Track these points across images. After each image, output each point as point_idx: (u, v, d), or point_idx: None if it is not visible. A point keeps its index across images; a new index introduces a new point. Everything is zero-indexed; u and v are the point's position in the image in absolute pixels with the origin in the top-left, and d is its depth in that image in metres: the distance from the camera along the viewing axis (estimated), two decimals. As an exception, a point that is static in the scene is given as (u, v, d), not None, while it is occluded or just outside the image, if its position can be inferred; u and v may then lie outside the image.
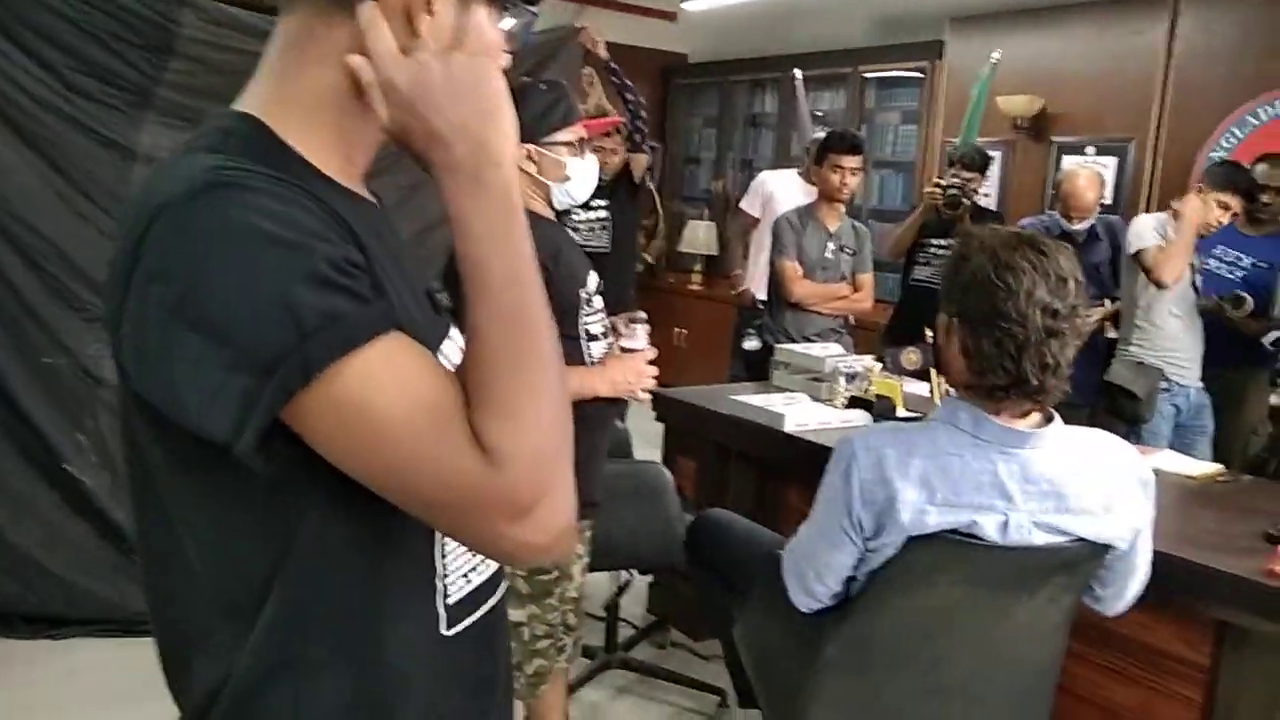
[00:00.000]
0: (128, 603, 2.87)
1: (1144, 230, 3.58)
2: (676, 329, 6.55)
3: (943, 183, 4.09)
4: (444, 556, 0.86)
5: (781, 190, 4.75)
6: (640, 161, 4.21)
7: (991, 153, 4.91)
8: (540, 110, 2.04)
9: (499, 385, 0.73)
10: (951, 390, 1.79)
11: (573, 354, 2.03)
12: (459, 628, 0.87)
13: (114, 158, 2.94)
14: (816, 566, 1.74)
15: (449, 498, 0.72)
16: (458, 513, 0.73)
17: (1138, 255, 3.55)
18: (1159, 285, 3.49)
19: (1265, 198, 3.66)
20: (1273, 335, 2.32)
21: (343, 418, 0.70)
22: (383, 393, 0.70)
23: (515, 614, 2.08)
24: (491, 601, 0.92)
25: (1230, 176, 3.57)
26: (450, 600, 0.87)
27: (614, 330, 2.17)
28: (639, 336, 2.12)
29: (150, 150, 2.93)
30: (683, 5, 6.55)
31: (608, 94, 4.17)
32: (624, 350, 2.14)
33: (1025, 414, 1.66)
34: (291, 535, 0.77)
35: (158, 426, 0.76)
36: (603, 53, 4.00)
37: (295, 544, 0.77)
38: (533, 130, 2.03)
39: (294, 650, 0.79)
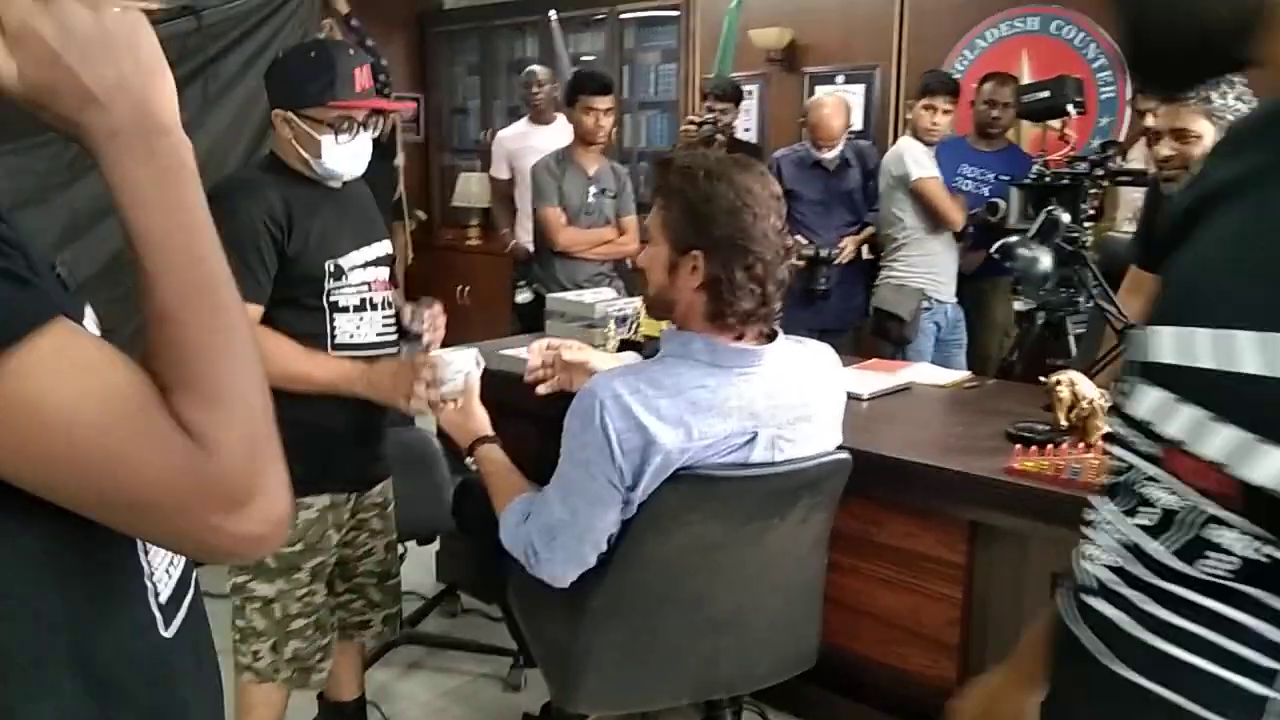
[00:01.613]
0: None
1: (918, 156, 3.76)
2: (458, 287, 6.38)
3: (696, 119, 4.11)
4: (146, 553, 0.77)
5: (517, 141, 4.74)
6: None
7: (747, 87, 4.99)
8: (300, 78, 1.88)
9: (199, 369, 0.67)
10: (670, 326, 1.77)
11: (313, 326, 1.90)
12: (175, 625, 0.79)
13: None
14: (593, 537, 1.65)
15: (154, 496, 0.64)
16: (166, 512, 0.65)
17: (920, 184, 3.71)
18: (955, 231, 3.74)
19: (995, 113, 3.87)
20: (996, 244, 2.44)
21: (13, 421, 0.60)
22: (60, 388, 0.61)
23: (263, 589, 1.96)
24: (193, 588, 0.84)
25: (926, 83, 3.90)
26: (162, 599, 0.78)
27: (399, 314, 2.06)
28: (454, 361, 1.95)
29: None
30: (432, -51, 6.29)
31: None
32: (408, 333, 2.05)
33: (756, 336, 1.68)
34: None
35: None
36: (342, 7, 3.77)
37: None
38: (286, 96, 1.89)
39: None
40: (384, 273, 2.03)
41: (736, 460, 1.64)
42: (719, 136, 4.09)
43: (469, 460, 1.96)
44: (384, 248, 2.04)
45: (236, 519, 0.66)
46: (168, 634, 0.78)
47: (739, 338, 1.66)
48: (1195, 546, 0.70)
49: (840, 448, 1.81)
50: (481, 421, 1.97)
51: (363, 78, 1.90)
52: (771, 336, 1.71)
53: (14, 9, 0.65)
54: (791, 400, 1.69)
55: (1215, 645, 0.69)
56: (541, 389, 2.15)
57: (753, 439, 1.64)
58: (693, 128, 4.12)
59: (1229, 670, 0.68)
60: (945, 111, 3.88)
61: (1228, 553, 0.68)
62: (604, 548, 1.69)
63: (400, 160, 4.86)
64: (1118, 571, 0.76)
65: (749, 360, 1.65)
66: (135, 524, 0.67)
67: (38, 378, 0.61)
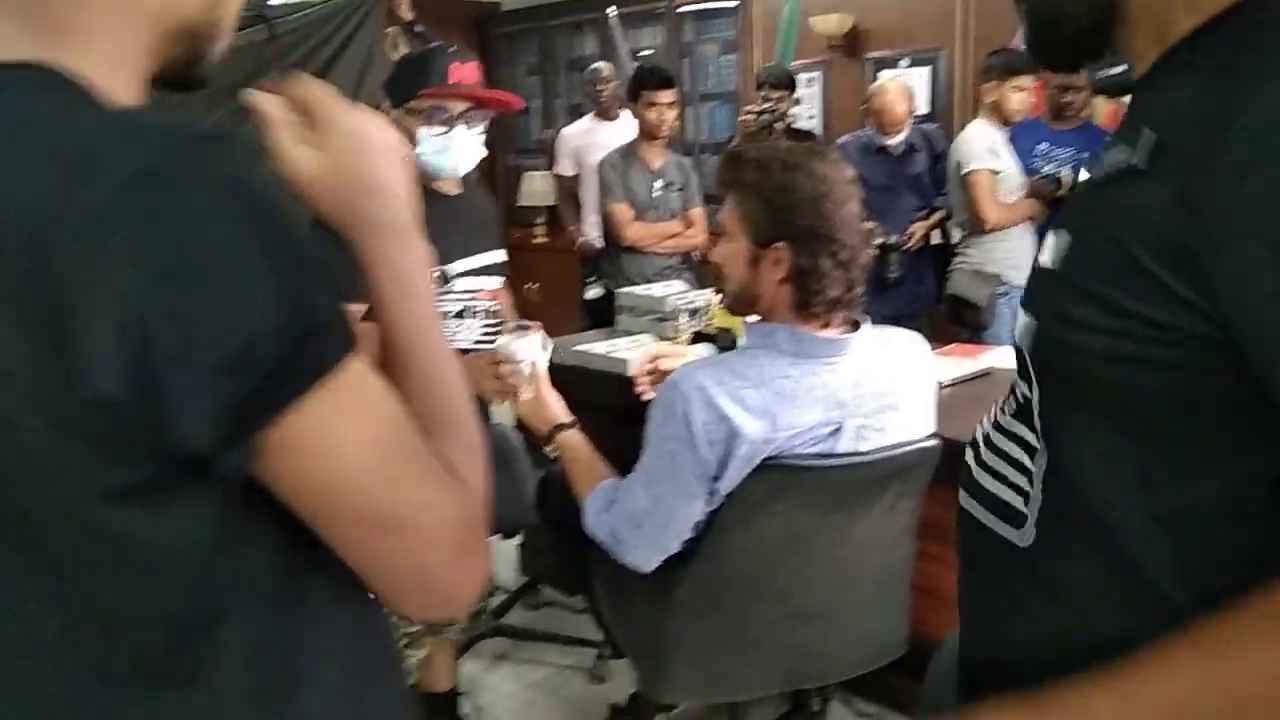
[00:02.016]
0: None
1: (975, 149, 3.67)
2: (525, 284, 6.44)
3: (754, 109, 4.10)
4: None
5: (582, 138, 4.76)
6: None
7: (809, 75, 4.97)
8: (403, 77, 1.96)
9: (459, 416, 0.75)
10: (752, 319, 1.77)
11: None
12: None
13: None
14: (676, 526, 1.66)
15: (422, 534, 0.66)
16: (422, 549, 0.67)
17: (969, 177, 3.65)
18: (981, 228, 3.64)
19: (1067, 98, 3.79)
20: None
21: (313, 446, 0.63)
22: (359, 417, 0.65)
23: None
24: None
25: (1011, 62, 3.72)
26: None
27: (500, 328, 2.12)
28: (519, 349, 1.99)
29: None
30: (489, -48, 6.36)
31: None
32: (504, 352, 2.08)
33: (842, 323, 1.68)
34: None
35: None
36: (405, 13, 3.83)
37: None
38: (392, 96, 1.98)
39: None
40: (492, 282, 2.05)
41: (822, 451, 1.64)
42: (777, 125, 4.07)
43: (549, 449, 1.97)
44: (493, 257, 2.07)
45: (470, 565, 0.69)
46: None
47: (825, 326, 1.66)
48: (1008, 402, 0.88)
49: (931, 435, 1.80)
50: (556, 408, 1.97)
51: (462, 73, 1.94)
52: (857, 325, 1.70)
53: (327, 109, 0.74)
54: (878, 388, 1.68)
55: (995, 469, 0.87)
56: (646, 396, 2.16)
57: (838, 429, 1.64)
58: (751, 118, 4.11)
59: (1002, 485, 0.86)
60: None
61: (1012, 393, 0.87)
62: (687, 535, 1.69)
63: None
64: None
65: (834, 350, 1.65)
66: (381, 559, 0.67)
67: (343, 405, 0.63)
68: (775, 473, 1.62)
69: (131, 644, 0.65)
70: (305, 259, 0.61)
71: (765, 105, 4.10)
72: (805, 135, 4.43)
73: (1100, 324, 0.70)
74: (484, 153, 2.06)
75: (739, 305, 1.77)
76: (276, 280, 0.59)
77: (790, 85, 4.30)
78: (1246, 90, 0.61)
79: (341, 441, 0.63)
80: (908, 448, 1.73)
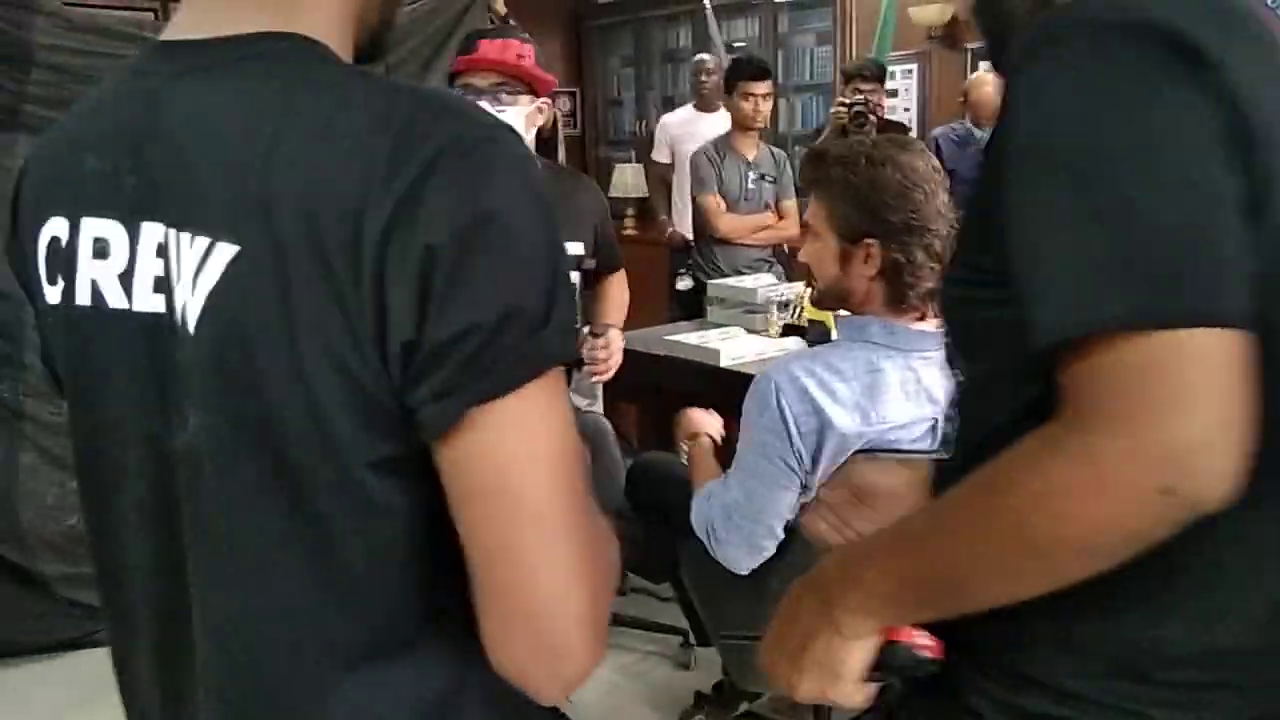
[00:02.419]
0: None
1: None
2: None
3: (845, 101, 4.06)
4: None
5: (682, 127, 4.75)
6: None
7: (907, 66, 4.90)
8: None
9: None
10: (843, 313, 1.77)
11: None
12: None
13: None
14: (767, 520, 1.67)
15: (564, 540, 0.64)
16: (555, 567, 0.64)
17: None
18: None
19: None
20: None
21: (493, 453, 0.63)
22: (549, 434, 0.64)
23: None
24: None
25: None
26: None
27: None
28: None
29: None
30: (585, -54, 6.40)
31: None
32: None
33: (934, 315, 1.66)
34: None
35: None
36: (500, 8, 3.86)
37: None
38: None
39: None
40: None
41: (921, 447, 1.63)
42: (871, 117, 4.02)
43: (684, 445, 2.10)
44: (570, 248, 2.09)
45: (592, 638, 0.66)
46: None
47: (921, 318, 1.65)
48: None
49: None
50: (702, 419, 2.14)
51: (492, 50, 1.97)
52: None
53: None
54: None
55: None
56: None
57: (934, 426, 1.62)
58: (843, 109, 4.07)
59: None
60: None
61: None
62: (780, 533, 1.69)
63: (561, 155, 4.94)
64: None
65: (929, 342, 1.63)
66: (516, 575, 0.64)
67: (550, 402, 0.63)
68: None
69: (368, 611, 0.68)
70: (564, 256, 0.66)
71: (857, 98, 4.05)
72: (897, 127, 4.36)
73: (962, 278, 0.85)
74: (527, 135, 2.03)
75: (830, 302, 1.77)
76: (549, 266, 0.63)
77: (880, 77, 4.23)
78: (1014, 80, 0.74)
79: (535, 438, 0.63)
80: None
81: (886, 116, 4.33)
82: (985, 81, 3.90)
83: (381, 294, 0.60)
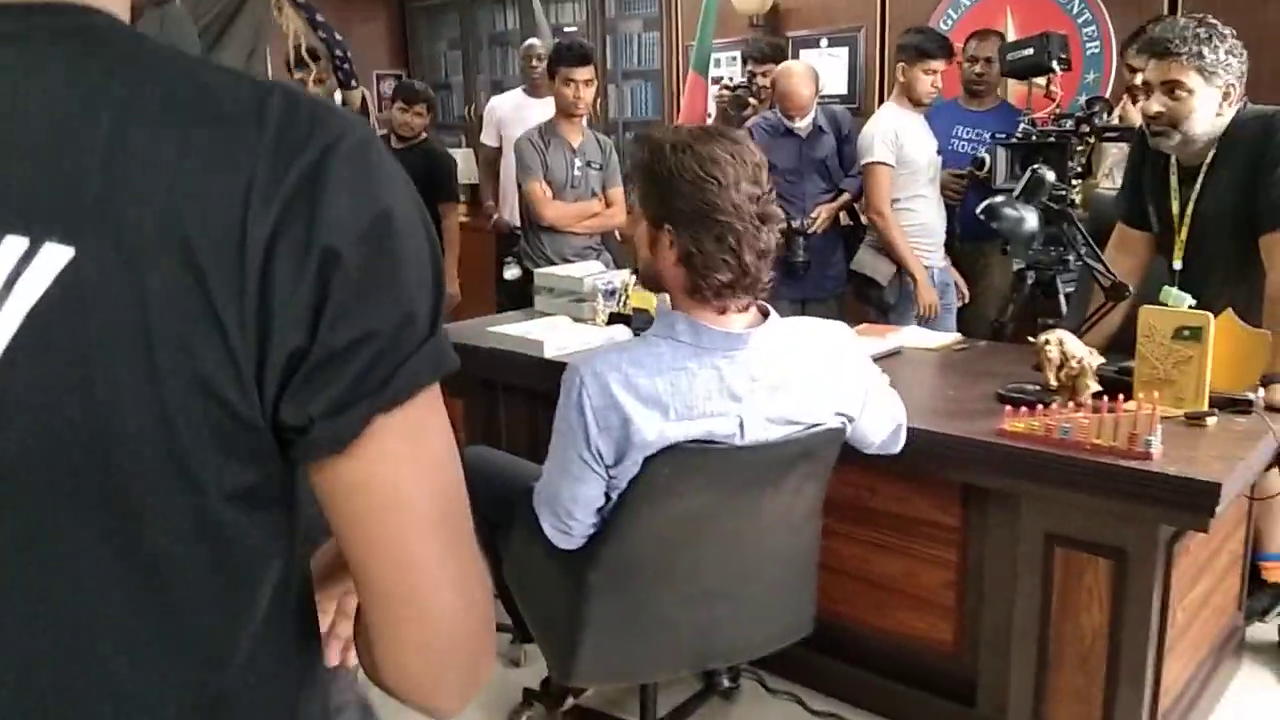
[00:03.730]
0: None
1: (876, 140, 3.68)
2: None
3: (730, 84, 4.09)
4: None
5: (511, 113, 4.71)
6: (354, 99, 3.96)
7: (730, 54, 4.95)
8: None
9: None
10: (665, 300, 1.78)
11: None
12: None
13: None
14: (565, 503, 1.70)
15: (453, 560, 0.64)
16: (443, 593, 0.64)
17: (866, 168, 3.70)
18: (874, 222, 3.66)
19: (978, 69, 3.84)
20: (982, 204, 2.43)
21: (393, 452, 0.61)
22: (439, 444, 0.63)
23: None
24: None
25: (923, 44, 3.72)
26: None
27: None
28: None
29: None
30: (408, -77, 6.22)
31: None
32: None
33: (743, 309, 1.67)
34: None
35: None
36: None
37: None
38: None
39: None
40: None
41: (723, 440, 1.64)
42: (752, 101, 4.05)
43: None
44: None
45: (482, 661, 0.66)
46: None
47: (723, 312, 1.65)
48: None
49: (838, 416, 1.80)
50: None
51: None
52: (766, 314, 1.70)
53: None
54: (780, 378, 1.67)
55: None
56: None
57: (741, 423, 1.64)
58: (726, 93, 4.09)
59: None
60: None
61: None
62: (589, 521, 1.70)
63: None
64: None
65: (733, 344, 1.64)
66: (404, 594, 0.64)
67: (435, 413, 0.62)
68: (681, 455, 1.62)
69: (203, 659, 0.62)
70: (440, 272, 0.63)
71: (741, 80, 4.09)
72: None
73: None
74: None
75: (648, 284, 1.82)
76: (434, 270, 0.62)
77: (777, 58, 4.25)
78: None
79: (429, 448, 0.62)
80: (814, 430, 1.73)
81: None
82: (790, 73, 3.93)
83: (266, 300, 0.55)
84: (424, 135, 4.48)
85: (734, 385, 1.63)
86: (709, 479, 1.67)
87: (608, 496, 1.69)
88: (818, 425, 1.73)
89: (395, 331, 0.58)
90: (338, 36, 3.77)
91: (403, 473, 0.61)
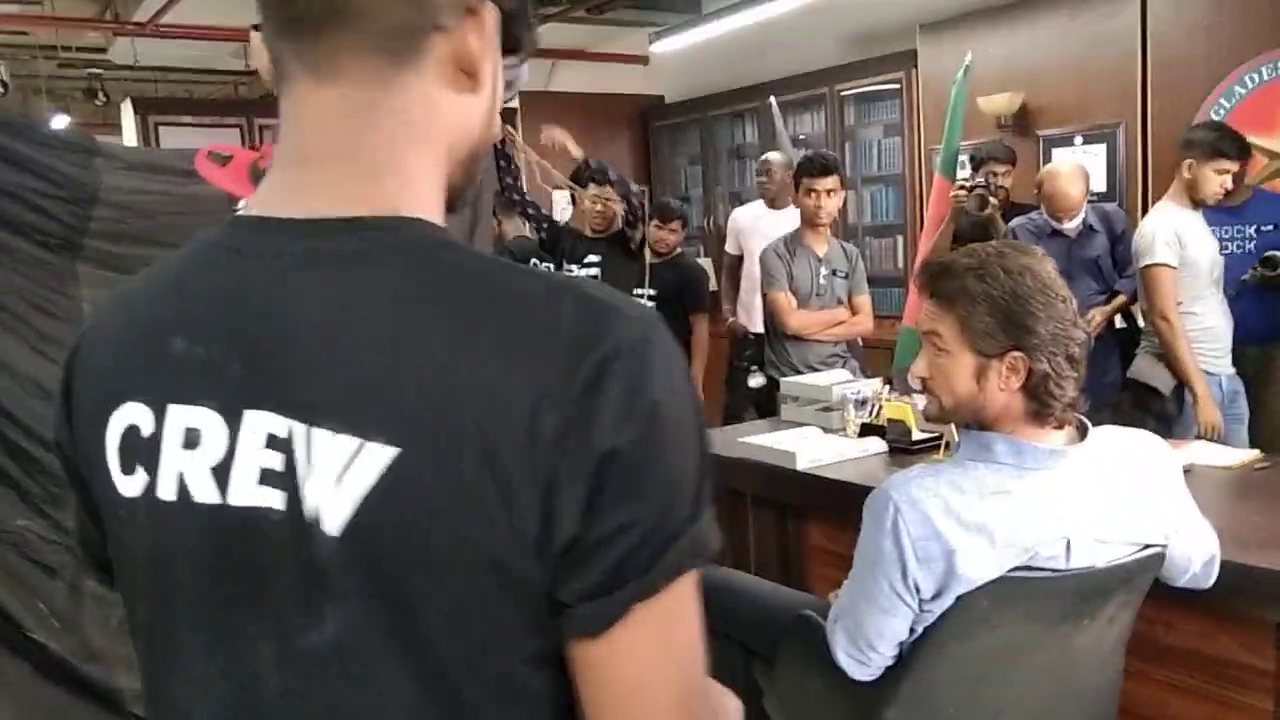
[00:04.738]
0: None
1: (1155, 240, 3.35)
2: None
3: (966, 183, 4.01)
4: None
5: (751, 222, 4.80)
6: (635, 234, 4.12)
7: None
8: None
9: None
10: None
11: None
12: None
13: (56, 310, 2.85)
14: (869, 636, 1.58)
15: None
16: None
17: (1146, 271, 3.37)
18: (1157, 329, 3.38)
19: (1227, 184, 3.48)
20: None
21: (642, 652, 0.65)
22: (691, 634, 0.66)
23: None
24: None
25: (1216, 145, 3.37)
26: None
27: None
28: None
29: (92, 300, 2.84)
30: (652, 48, 6.54)
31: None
32: None
33: (1060, 425, 1.57)
34: None
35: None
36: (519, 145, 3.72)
37: None
38: None
39: None
40: None
41: (1051, 564, 1.52)
42: (992, 200, 3.97)
43: None
44: None
45: None
46: None
47: (1059, 427, 1.57)
48: None
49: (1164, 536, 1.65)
50: None
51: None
52: (1084, 429, 1.60)
53: None
54: (1107, 495, 1.55)
55: None
56: None
57: (1068, 545, 1.52)
58: (963, 193, 4.02)
59: None
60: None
61: None
62: (885, 654, 1.59)
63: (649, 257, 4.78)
64: None
65: (1057, 460, 1.54)
66: None
67: (690, 598, 0.64)
68: (1004, 583, 1.50)
69: None
70: (709, 452, 0.66)
71: (978, 181, 4.03)
72: (1026, 209, 4.16)
73: None
74: None
75: (958, 419, 1.67)
76: (702, 460, 0.64)
77: (1012, 159, 4.19)
78: None
79: (679, 638, 0.64)
80: (1140, 555, 1.59)
81: (1015, 200, 4.25)
82: (1057, 174, 3.78)
83: (551, 493, 0.60)
84: (679, 250, 4.58)
85: (1060, 504, 1.52)
86: (1029, 609, 1.54)
87: (912, 629, 1.58)
88: (1149, 546, 1.58)
89: (658, 520, 0.61)
90: (631, 188, 4.00)
91: (650, 662, 0.63)
